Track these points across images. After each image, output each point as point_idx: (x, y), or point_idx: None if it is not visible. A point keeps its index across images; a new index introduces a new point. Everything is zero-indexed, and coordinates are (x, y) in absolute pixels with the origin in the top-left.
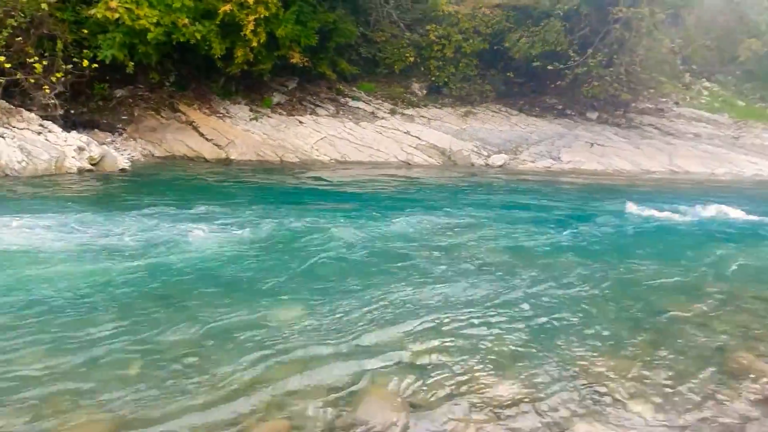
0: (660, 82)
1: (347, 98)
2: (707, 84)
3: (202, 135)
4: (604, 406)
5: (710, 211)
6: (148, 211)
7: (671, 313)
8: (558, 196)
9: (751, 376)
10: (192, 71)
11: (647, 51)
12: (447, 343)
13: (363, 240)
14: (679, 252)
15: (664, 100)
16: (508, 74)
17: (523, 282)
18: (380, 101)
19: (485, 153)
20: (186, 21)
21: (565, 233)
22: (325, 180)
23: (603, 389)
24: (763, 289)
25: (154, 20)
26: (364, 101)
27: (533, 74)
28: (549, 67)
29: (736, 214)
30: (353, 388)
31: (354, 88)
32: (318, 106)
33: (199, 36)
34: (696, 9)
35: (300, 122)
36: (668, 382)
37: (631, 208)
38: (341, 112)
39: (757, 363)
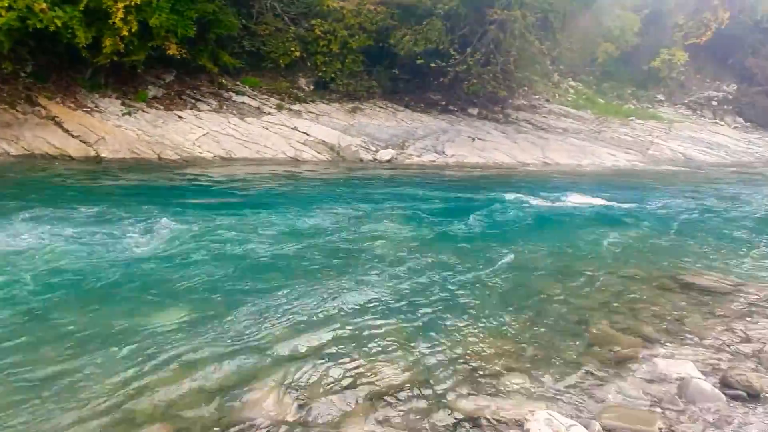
0: (532, 81)
1: (231, 93)
2: (573, 83)
3: (66, 131)
4: (485, 381)
5: (577, 198)
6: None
7: (544, 293)
8: (444, 188)
9: (608, 343)
10: (53, 61)
11: (520, 51)
12: (337, 336)
13: (247, 238)
14: (551, 236)
15: (536, 97)
16: (394, 71)
17: (411, 272)
18: (266, 96)
19: (373, 148)
20: (44, 6)
21: (451, 223)
22: (208, 177)
23: (485, 367)
24: (619, 267)
25: (6, 3)
26: (249, 96)
27: (418, 71)
28: (432, 65)
29: (598, 200)
30: (241, 388)
31: (238, 83)
32: (199, 100)
33: (59, 23)
34: (561, 14)
35: (180, 117)
36: (540, 355)
37: (511, 197)
38: (225, 107)
39: (611, 332)
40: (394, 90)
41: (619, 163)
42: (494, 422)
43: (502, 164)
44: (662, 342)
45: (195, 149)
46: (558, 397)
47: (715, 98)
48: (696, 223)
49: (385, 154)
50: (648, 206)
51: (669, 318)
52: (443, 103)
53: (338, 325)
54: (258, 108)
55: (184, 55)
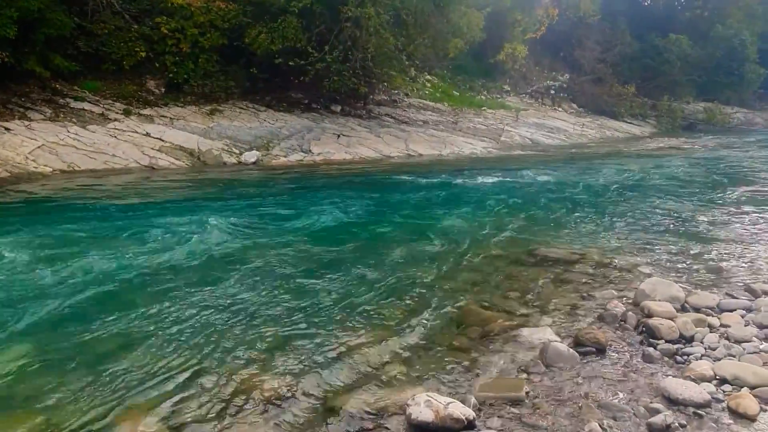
0: (391, 76)
1: (68, 99)
2: (429, 77)
3: None
4: (367, 374)
5: (440, 185)
6: None
7: (418, 281)
8: (310, 187)
9: (478, 321)
10: None
11: (377, 48)
12: (204, 353)
13: (97, 261)
14: (420, 226)
15: (396, 92)
16: (252, 70)
17: (283, 277)
18: (110, 101)
19: (237, 151)
20: None
21: (318, 222)
22: (42, 194)
23: (365, 360)
24: (482, 248)
25: None
26: (90, 101)
27: (277, 70)
28: (290, 63)
29: (458, 186)
30: (103, 421)
31: (75, 87)
32: (29, 108)
33: None
34: (413, 12)
35: (6, 129)
36: (419, 342)
37: (378, 191)
38: (62, 115)
39: (481, 310)
40: (254, 90)
41: (476, 150)
42: (377, 412)
43: (369, 159)
44: (525, 313)
45: (29, 164)
46: (437, 378)
47: (553, 87)
48: (545, 200)
49: (250, 156)
50: (503, 188)
51: (529, 290)
52: (306, 101)
53: (208, 340)
54: (102, 114)
55: (7, 59)
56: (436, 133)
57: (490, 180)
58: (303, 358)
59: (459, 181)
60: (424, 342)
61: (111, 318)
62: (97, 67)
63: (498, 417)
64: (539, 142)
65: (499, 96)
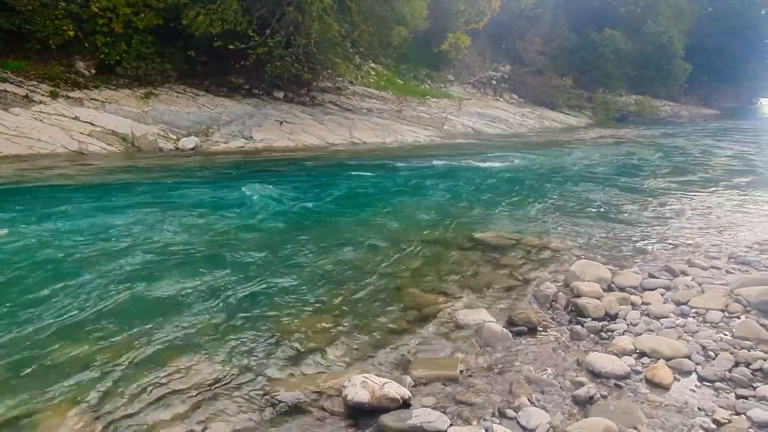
0: (335, 63)
1: None
2: (373, 65)
3: None
4: (305, 359)
5: (384, 172)
6: None
7: (360, 267)
8: (251, 174)
9: (418, 304)
10: None
11: (320, 34)
12: (139, 342)
13: (22, 247)
14: (355, 209)
15: (340, 79)
16: (190, 53)
17: (222, 264)
18: (35, 82)
19: (174, 136)
20: None
21: (259, 209)
22: None
23: (304, 345)
24: (423, 233)
25: None
26: (12, 83)
27: (217, 53)
28: (231, 47)
29: (402, 173)
30: (28, 419)
31: None
32: None
33: None
34: None
35: None
36: (358, 325)
37: (322, 177)
38: None
39: (420, 293)
40: (192, 74)
41: (419, 139)
42: (315, 395)
43: (312, 146)
44: (462, 296)
45: None
46: (374, 360)
47: (495, 78)
48: (486, 187)
49: (188, 142)
50: (445, 175)
51: (467, 274)
52: (247, 86)
53: (143, 329)
54: (26, 96)
55: None
56: (381, 121)
57: (432, 167)
58: (240, 345)
59: (402, 168)
60: (363, 325)
61: (25, 308)
62: (19, 46)
63: (433, 395)
64: (481, 131)
65: (442, 85)
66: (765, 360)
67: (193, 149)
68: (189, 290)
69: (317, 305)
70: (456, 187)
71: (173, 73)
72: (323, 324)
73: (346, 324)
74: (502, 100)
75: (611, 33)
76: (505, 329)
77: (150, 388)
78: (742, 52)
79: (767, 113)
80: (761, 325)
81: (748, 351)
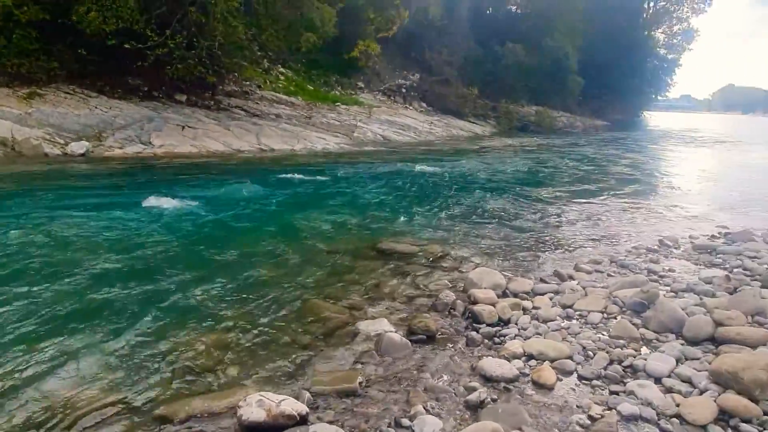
0: (242, 67)
1: None
2: (282, 70)
3: None
4: (200, 380)
5: (292, 180)
6: None
7: (259, 278)
8: (146, 181)
9: (320, 317)
10: None
11: (225, 36)
12: (15, 368)
13: None
14: (259, 219)
15: (247, 83)
16: (80, 51)
17: (100, 280)
18: None
19: (61, 141)
20: None
21: (153, 219)
22: None
23: (199, 365)
24: (328, 243)
25: None
26: None
27: (111, 53)
28: (126, 46)
29: (313, 182)
30: None
31: None
32: None
33: None
34: (264, 1)
35: None
36: (258, 341)
37: (231, 186)
38: None
39: (324, 305)
40: (84, 73)
41: (329, 146)
42: (209, 418)
43: (217, 152)
44: (365, 306)
45: None
46: (273, 377)
47: (404, 86)
48: (392, 195)
49: (78, 147)
50: (353, 183)
51: (370, 284)
52: (146, 88)
53: (24, 353)
54: None
55: None
56: (289, 127)
57: (341, 176)
58: (130, 367)
59: (310, 177)
60: (262, 341)
61: None
62: None
63: (331, 409)
64: (391, 138)
65: (353, 92)
66: (635, 357)
67: (83, 155)
68: (73, 309)
69: (215, 321)
70: (364, 196)
71: (61, 73)
72: (221, 341)
73: (245, 340)
74: (411, 108)
75: (513, 46)
76: (404, 338)
77: (31, 412)
78: (628, 69)
79: (650, 125)
80: (633, 324)
81: (621, 349)
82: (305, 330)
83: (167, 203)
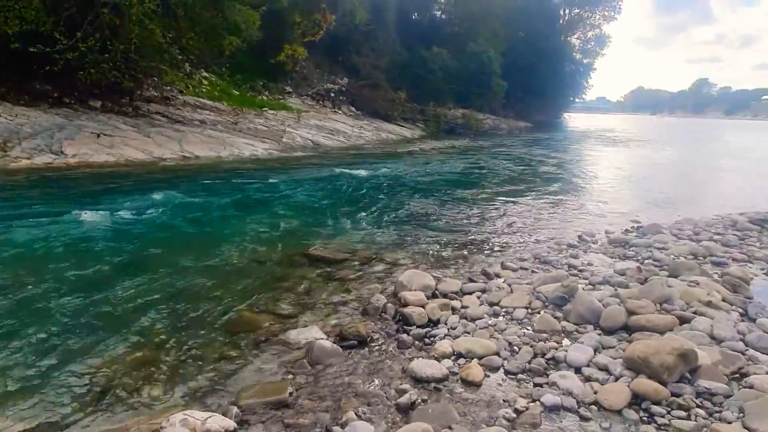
0: (162, 71)
1: None
2: (206, 74)
3: None
4: (119, 402)
5: (226, 188)
6: None
7: (186, 291)
8: (59, 193)
9: (249, 328)
10: None
11: (142, 39)
12: None
13: None
14: (184, 230)
15: (168, 88)
16: None
17: (12, 298)
18: None
19: None
20: None
21: (69, 233)
22: None
23: (119, 385)
24: (257, 252)
25: None
26: None
27: (15, 56)
28: (32, 50)
29: (241, 188)
30: None
31: None
32: None
33: None
34: (183, 3)
35: None
36: (183, 357)
37: (155, 196)
38: None
39: (252, 316)
40: None
41: (257, 152)
42: None
43: (137, 161)
44: (295, 315)
45: None
46: (200, 393)
47: (333, 90)
48: (323, 200)
49: None
50: (282, 190)
51: (300, 291)
52: (56, 94)
53: None
54: None
55: None
56: (215, 133)
57: (270, 182)
58: (47, 389)
59: (238, 184)
60: (188, 356)
61: None
62: None
63: (261, 423)
64: (320, 143)
65: (280, 97)
66: (557, 349)
67: None
68: None
69: (139, 338)
70: (294, 202)
71: None
72: (144, 358)
73: (170, 356)
74: (340, 112)
75: (439, 51)
76: (335, 345)
77: None
78: (548, 73)
79: (570, 126)
80: (555, 317)
81: (544, 342)
82: (233, 342)
83: (86, 216)
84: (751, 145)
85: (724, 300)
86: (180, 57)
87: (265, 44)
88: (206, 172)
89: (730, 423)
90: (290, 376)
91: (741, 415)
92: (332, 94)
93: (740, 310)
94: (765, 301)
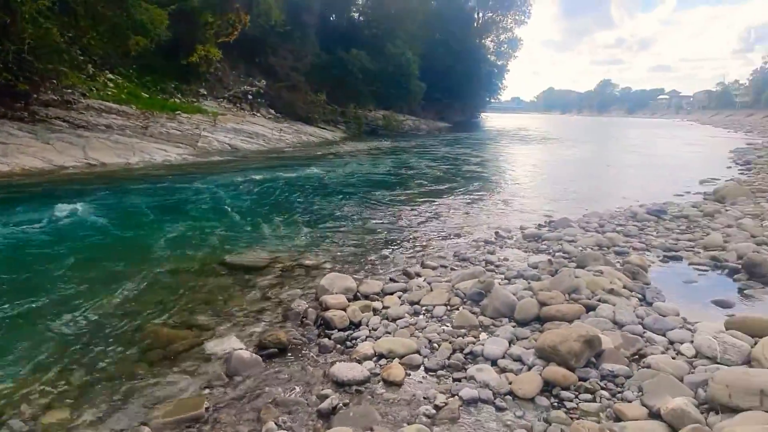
0: (61, 73)
1: None
2: (111, 76)
3: None
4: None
5: (125, 200)
6: None
7: (92, 307)
8: None
9: (164, 342)
10: None
11: (37, 39)
12: None
13: None
14: (90, 244)
15: (69, 91)
16: None
17: None
18: None
19: None
20: None
21: None
22: None
23: (18, 412)
24: (171, 262)
25: None
26: None
27: None
28: None
29: (146, 198)
30: None
31: None
32: None
33: None
34: (82, 1)
35: None
36: (90, 378)
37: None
38: None
39: (167, 330)
40: None
41: (170, 157)
42: None
43: (35, 170)
44: (212, 326)
45: None
46: (109, 417)
47: (250, 92)
48: (241, 206)
49: None
50: (197, 198)
51: (218, 301)
52: None
53: None
54: None
55: None
56: (123, 139)
57: (184, 188)
58: None
59: (149, 191)
60: (97, 376)
61: None
62: None
63: None
64: (239, 147)
65: (195, 100)
66: (474, 344)
67: None
68: None
69: (40, 360)
70: (210, 209)
71: None
72: (47, 381)
73: (75, 377)
74: (259, 115)
75: (358, 53)
76: (254, 354)
77: None
78: (465, 74)
79: (487, 125)
80: (473, 313)
81: (463, 338)
82: (146, 359)
83: None
84: (649, 140)
85: (624, 287)
86: (82, 58)
87: (177, 45)
88: (114, 180)
89: (630, 402)
90: (207, 391)
91: (640, 393)
92: (250, 97)
93: (639, 296)
94: (660, 286)
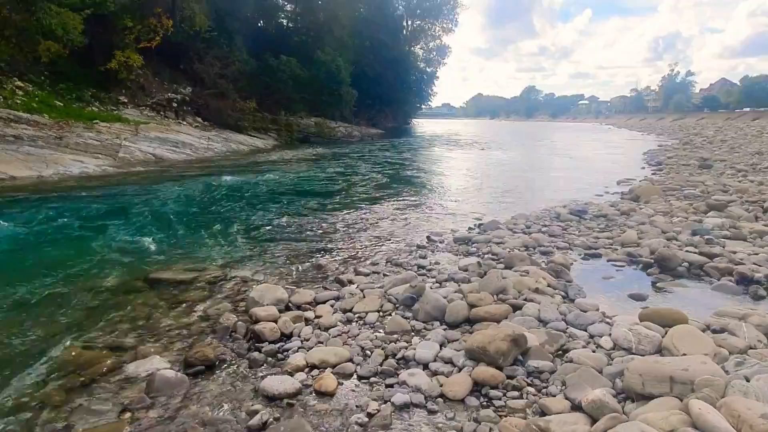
0: None
1: None
2: (20, 83)
3: None
4: None
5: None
6: None
7: (8, 330)
8: None
9: (79, 365)
10: None
11: None
12: None
13: None
14: (7, 264)
15: None
16: None
17: None
18: None
19: None
20: None
21: None
22: None
23: None
24: (91, 279)
25: None
26: None
27: None
28: None
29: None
30: None
31: None
32: None
33: None
34: None
35: None
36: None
37: None
38: None
39: (83, 352)
40: None
41: (88, 169)
42: None
43: None
44: (134, 345)
45: None
46: None
47: (175, 100)
48: (165, 219)
49: None
50: (118, 212)
51: (141, 319)
52: None
53: None
54: None
55: None
56: (34, 150)
57: (104, 202)
58: None
59: (64, 206)
60: (6, 405)
61: None
62: None
63: None
64: (164, 157)
65: (114, 108)
66: (406, 348)
67: None
68: None
69: None
70: (132, 223)
71: None
72: None
73: None
74: (185, 123)
75: (288, 59)
76: (179, 373)
77: None
78: (395, 81)
79: (419, 131)
80: (405, 318)
81: (395, 343)
82: (62, 385)
83: None
84: (572, 143)
85: (549, 285)
86: None
87: (93, 51)
88: (25, 194)
89: (554, 396)
90: (128, 415)
91: (563, 387)
92: (175, 105)
93: (562, 293)
94: (582, 283)
